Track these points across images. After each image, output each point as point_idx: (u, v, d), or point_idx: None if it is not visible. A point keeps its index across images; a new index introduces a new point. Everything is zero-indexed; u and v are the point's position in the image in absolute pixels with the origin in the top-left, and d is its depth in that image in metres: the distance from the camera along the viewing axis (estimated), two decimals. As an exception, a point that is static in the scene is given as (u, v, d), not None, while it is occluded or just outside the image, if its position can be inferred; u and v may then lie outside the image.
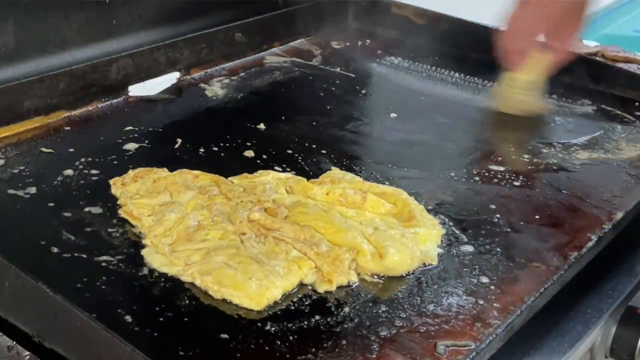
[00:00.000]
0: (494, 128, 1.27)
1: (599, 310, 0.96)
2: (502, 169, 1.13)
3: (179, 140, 1.15)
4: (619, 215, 1.01)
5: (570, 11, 1.22)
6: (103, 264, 0.87)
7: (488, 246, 0.94)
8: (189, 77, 1.38)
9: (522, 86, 1.26)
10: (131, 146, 1.13)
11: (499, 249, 0.94)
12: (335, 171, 1.07)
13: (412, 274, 0.89)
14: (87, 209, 0.97)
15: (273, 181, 1.02)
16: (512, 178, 1.10)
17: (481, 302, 0.84)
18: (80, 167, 1.06)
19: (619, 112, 1.32)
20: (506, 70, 1.27)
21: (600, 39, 1.88)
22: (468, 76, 1.43)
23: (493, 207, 1.03)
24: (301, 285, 0.86)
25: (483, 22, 1.53)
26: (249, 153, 1.13)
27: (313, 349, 0.76)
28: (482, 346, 0.78)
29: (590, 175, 1.13)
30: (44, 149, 1.11)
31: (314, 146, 1.17)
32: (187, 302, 0.82)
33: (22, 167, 1.06)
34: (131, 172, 1.03)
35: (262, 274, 0.84)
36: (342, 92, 1.36)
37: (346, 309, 0.83)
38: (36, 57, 1.24)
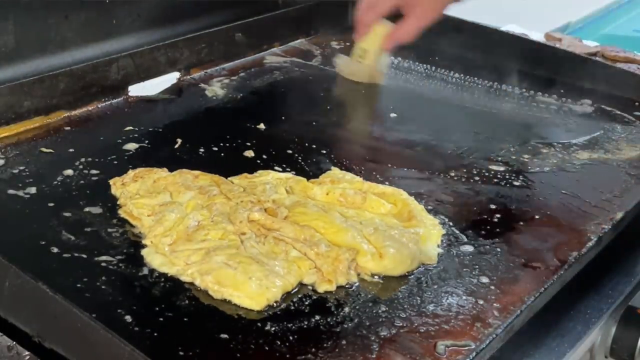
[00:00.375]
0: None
1: (599, 310, 0.96)
2: (502, 169, 1.13)
3: (179, 140, 1.15)
4: (619, 215, 1.01)
5: None
6: (103, 264, 0.87)
7: (488, 246, 0.94)
8: (189, 77, 1.38)
9: (360, 55, 1.32)
10: (131, 146, 1.13)
11: (499, 249, 0.94)
12: (335, 171, 1.07)
13: (412, 274, 0.89)
14: (87, 209, 0.97)
15: (273, 181, 1.02)
16: (512, 178, 1.11)
17: (481, 302, 0.84)
18: (80, 167, 1.06)
19: (619, 112, 1.32)
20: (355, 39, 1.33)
21: (600, 39, 1.89)
22: (468, 76, 1.43)
23: (493, 207, 1.03)
24: (301, 285, 0.86)
25: (483, 22, 1.53)
26: (249, 153, 1.13)
27: (313, 349, 0.76)
28: (482, 346, 0.78)
29: (590, 175, 1.13)
30: (44, 149, 1.11)
31: (314, 146, 1.17)
32: (187, 302, 0.82)
33: (22, 167, 1.06)
34: (131, 172, 1.03)
35: (262, 274, 0.84)
36: (342, 92, 1.36)
37: (346, 309, 0.83)
38: (36, 57, 1.24)
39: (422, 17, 1.26)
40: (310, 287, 0.86)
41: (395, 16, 1.30)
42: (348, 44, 1.57)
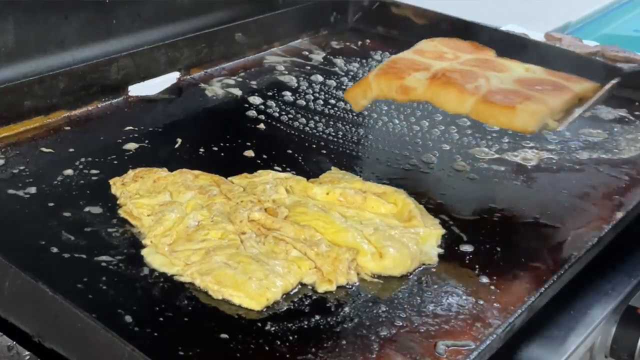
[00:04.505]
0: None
1: (599, 310, 0.96)
2: (502, 169, 1.13)
3: (179, 140, 1.15)
4: (619, 215, 1.01)
5: None
6: (103, 264, 0.87)
7: (488, 246, 0.94)
8: (189, 77, 1.38)
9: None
10: (131, 146, 1.13)
11: (499, 249, 0.94)
12: (335, 171, 1.07)
13: (412, 274, 0.89)
14: (87, 209, 0.97)
15: (273, 181, 1.02)
16: (512, 178, 1.11)
17: (481, 302, 0.84)
18: (80, 167, 1.06)
19: (619, 111, 1.32)
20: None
21: (600, 39, 1.89)
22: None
23: (493, 206, 1.03)
24: (301, 285, 0.86)
25: (482, 22, 1.53)
26: (249, 153, 1.13)
27: (313, 349, 0.76)
28: (482, 346, 0.78)
29: (590, 175, 1.13)
30: (44, 149, 1.11)
31: (314, 146, 1.17)
32: (187, 302, 0.82)
33: (22, 167, 1.06)
34: (131, 172, 1.03)
35: (262, 274, 0.84)
36: (342, 92, 1.36)
37: (346, 309, 0.83)
38: (36, 57, 1.24)
39: None
40: (310, 287, 0.86)
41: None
42: (348, 43, 1.57)
